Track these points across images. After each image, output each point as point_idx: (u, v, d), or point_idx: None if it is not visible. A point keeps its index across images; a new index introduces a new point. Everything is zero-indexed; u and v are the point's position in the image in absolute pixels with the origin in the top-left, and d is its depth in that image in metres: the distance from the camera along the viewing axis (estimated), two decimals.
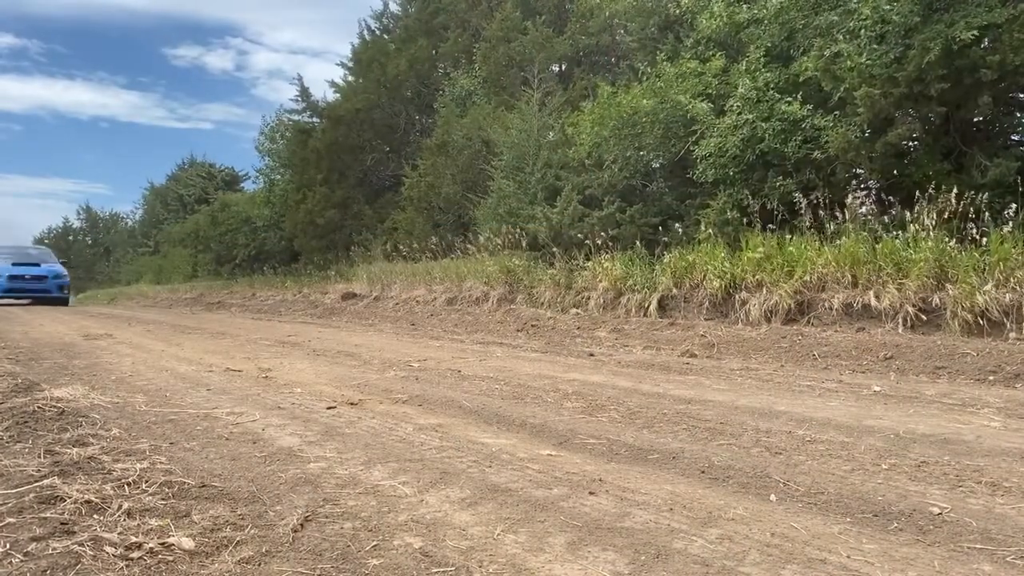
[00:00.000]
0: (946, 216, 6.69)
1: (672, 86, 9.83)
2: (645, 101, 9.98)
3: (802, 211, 7.94)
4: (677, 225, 9.62)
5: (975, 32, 6.74)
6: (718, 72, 9.73)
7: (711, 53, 10.16)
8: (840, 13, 8.11)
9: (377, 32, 22.23)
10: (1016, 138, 8.44)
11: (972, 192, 6.72)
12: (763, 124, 8.50)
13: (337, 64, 21.97)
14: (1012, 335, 5.67)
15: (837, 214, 7.61)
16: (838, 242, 7.29)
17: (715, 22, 9.72)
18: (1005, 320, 5.77)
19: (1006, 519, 2.30)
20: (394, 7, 22.20)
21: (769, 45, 9.29)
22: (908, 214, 7.03)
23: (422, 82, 19.24)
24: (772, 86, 8.76)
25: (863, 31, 7.65)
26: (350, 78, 20.97)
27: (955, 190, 6.72)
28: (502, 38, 16.26)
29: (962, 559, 2.02)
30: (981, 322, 5.87)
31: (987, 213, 6.50)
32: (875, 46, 7.57)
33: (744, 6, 9.60)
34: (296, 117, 22.72)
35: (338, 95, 20.98)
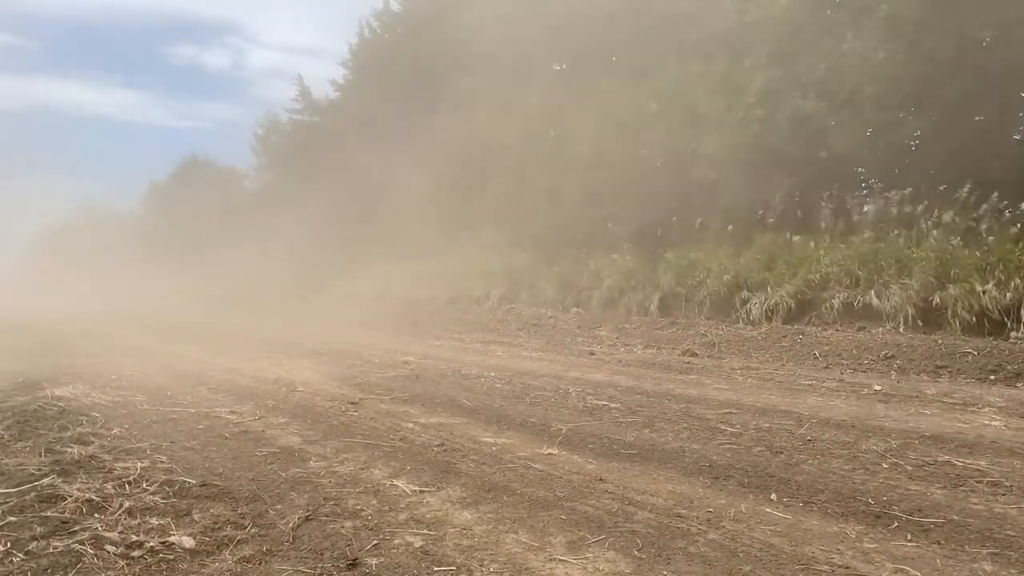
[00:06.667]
0: (949, 216, 6.65)
1: (679, 85, 9.75)
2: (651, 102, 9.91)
3: (808, 209, 7.90)
4: (675, 219, 9.55)
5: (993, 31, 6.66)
6: (726, 74, 9.64)
7: (715, 50, 10.06)
8: (850, 12, 8.03)
9: (378, 31, 22.16)
10: (1018, 137, 8.38)
11: (976, 192, 6.67)
12: (774, 118, 8.46)
13: (338, 64, 21.85)
14: (1013, 334, 5.64)
15: (841, 214, 7.58)
16: (851, 239, 7.23)
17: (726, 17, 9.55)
18: (1006, 319, 5.75)
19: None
20: (395, 6, 22.13)
21: (775, 44, 9.20)
22: (911, 212, 6.99)
23: (421, 81, 19.18)
24: (779, 83, 8.69)
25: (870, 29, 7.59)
26: (350, 77, 20.91)
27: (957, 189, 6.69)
28: (501, 37, 16.19)
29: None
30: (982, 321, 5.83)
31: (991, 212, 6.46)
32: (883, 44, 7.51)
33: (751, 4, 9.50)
34: (297, 116, 22.65)
35: (338, 93, 20.93)
